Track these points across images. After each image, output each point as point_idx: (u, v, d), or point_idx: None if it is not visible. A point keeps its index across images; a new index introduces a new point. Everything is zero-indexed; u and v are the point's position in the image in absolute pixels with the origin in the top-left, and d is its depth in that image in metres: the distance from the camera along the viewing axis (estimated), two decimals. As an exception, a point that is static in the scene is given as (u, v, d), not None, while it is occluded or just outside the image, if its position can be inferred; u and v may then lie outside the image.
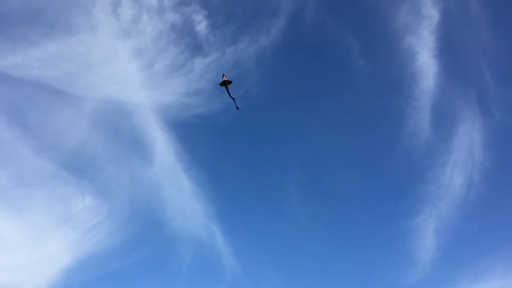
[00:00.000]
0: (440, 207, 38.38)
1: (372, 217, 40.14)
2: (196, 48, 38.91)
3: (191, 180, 38.45)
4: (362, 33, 41.31)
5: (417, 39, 39.44)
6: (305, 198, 39.99)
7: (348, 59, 41.32)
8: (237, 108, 24.82)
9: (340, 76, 42.26)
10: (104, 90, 37.38)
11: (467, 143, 38.87)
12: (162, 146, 38.60)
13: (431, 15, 39.08)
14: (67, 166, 35.78)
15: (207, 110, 39.13)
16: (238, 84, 40.04)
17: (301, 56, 42.07)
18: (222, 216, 38.13)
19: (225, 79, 24.29)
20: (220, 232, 37.05)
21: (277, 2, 39.91)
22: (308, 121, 41.86)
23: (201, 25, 38.63)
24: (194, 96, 38.68)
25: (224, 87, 24.49)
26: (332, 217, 40.23)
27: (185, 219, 37.41)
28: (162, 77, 38.47)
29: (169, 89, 38.77)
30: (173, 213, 37.30)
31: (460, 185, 38.35)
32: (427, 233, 37.82)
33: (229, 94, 24.53)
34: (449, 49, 39.97)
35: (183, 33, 38.67)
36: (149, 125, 38.32)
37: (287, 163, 41.04)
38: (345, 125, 41.71)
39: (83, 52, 36.62)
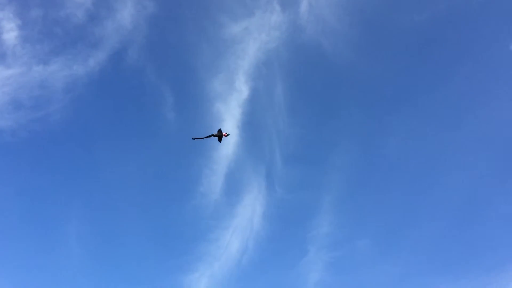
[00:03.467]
0: (215, 267, 40.34)
1: (150, 267, 40.12)
2: (-2, 56, 35.68)
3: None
4: (178, 89, 42.98)
5: (226, 108, 42.58)
6: (84, 234, 38.25)
7: (160, 109, 42.26)
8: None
9: (149, 124, 42.78)
10: None
11: (250, 212, 42.25)
12: None
13: (242, 90, 42.83)
14: None
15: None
16: (40, 106, 37.71)
17: (115, 95, 41.65)
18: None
19: (226, 135, 25.28)
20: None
21: (102, 36, 39.30)
22: (108, 160, 40.87)
23: (11, 34, 35.76)
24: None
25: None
26: (109, 256, 39.20)
27: None
28: None
29: None
30: None
31: (236, 249, 41.04)
32: (198, 290, 39.18)
33: (205, 137, 25.22)
34: (250, 124, 43.93)
35: (-13, 36, 35.27)
36: None
37: (76, 196, 39.07)
38: (144, 172, 41.81)
39: None
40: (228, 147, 42.33)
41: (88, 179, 40.09)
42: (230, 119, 42.38)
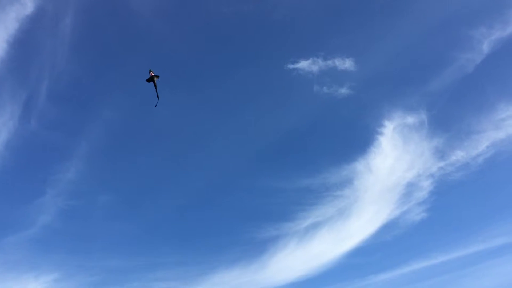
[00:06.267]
0: None
1: None
2: None
3: None
4: None
5: (1, 16, 37.49)
6: None
7: None
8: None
9: None
10: None
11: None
12: None
13: (26, 4, 38.49)
14: None
15: None
16: None
17: None
18: None
19: (152, 74, 22.89)
20: None
21: None
22: None
23: None
24: None
25: (151, 83, 23.05)
26: None
27: None
28: None
29: None
30: None
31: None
32: None
33: (156, 91, 23.01)
34: (25, 43, 39.74)
35: None
36: None
37: None
38: None
39: None
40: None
41: None
42: (2, 31, 38.17)
